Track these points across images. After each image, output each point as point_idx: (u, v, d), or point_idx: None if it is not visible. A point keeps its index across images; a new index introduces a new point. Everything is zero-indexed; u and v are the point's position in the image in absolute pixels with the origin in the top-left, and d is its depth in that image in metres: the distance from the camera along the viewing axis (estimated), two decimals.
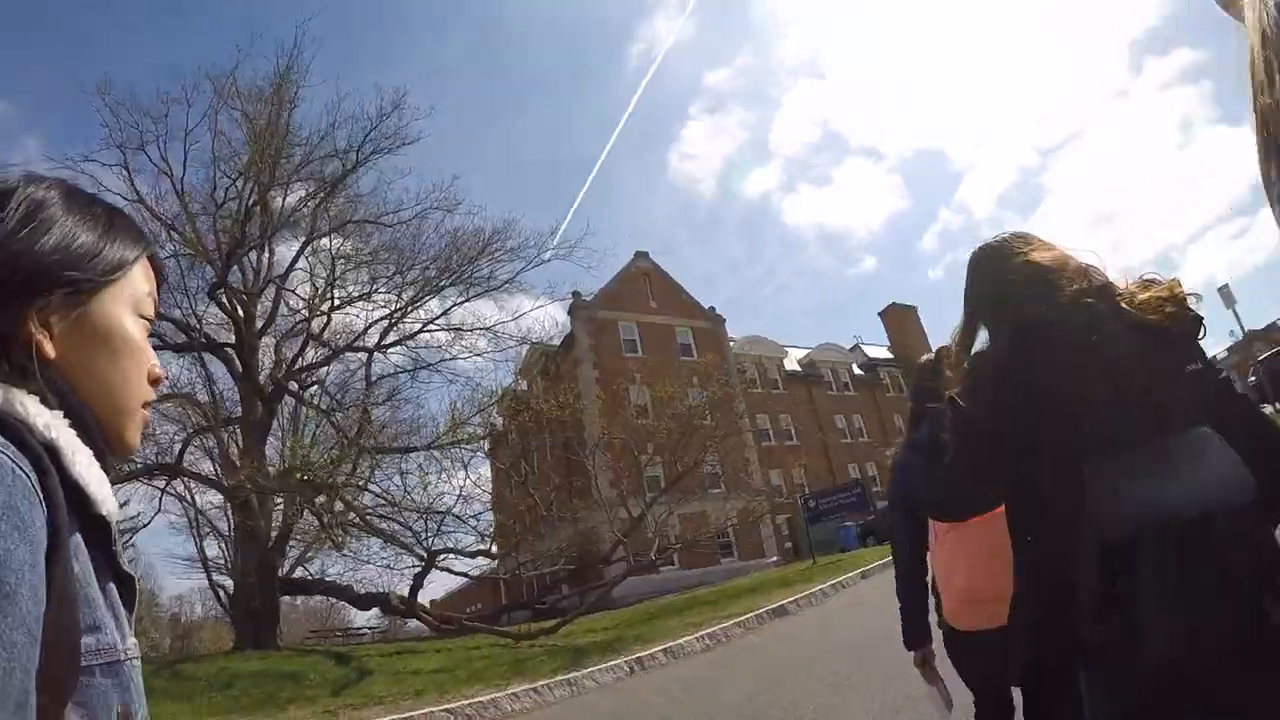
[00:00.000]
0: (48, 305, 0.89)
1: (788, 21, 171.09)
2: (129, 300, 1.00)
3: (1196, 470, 1.69)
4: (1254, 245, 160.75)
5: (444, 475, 21.56)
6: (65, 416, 0.87)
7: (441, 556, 19.09)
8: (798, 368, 55.59)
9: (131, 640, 0.91)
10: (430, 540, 19.70)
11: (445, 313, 26.43)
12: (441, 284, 25.84)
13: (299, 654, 18.69)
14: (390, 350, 25.93)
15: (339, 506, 19.97)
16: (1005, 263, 2.11)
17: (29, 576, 0.72)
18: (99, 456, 0.91)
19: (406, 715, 9.95)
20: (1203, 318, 1.93)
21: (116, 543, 0.93)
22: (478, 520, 21.43)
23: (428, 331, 26.56)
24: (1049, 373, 1.86)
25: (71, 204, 0.98)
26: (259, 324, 24.80)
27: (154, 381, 1.04)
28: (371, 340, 25.66)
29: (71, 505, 0.83)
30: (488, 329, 26.43)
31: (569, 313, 42.38)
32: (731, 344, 48.79)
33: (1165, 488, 1.68)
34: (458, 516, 20.44)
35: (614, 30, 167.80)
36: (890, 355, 64.67)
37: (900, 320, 65.72)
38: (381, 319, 25.78)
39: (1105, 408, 1.80)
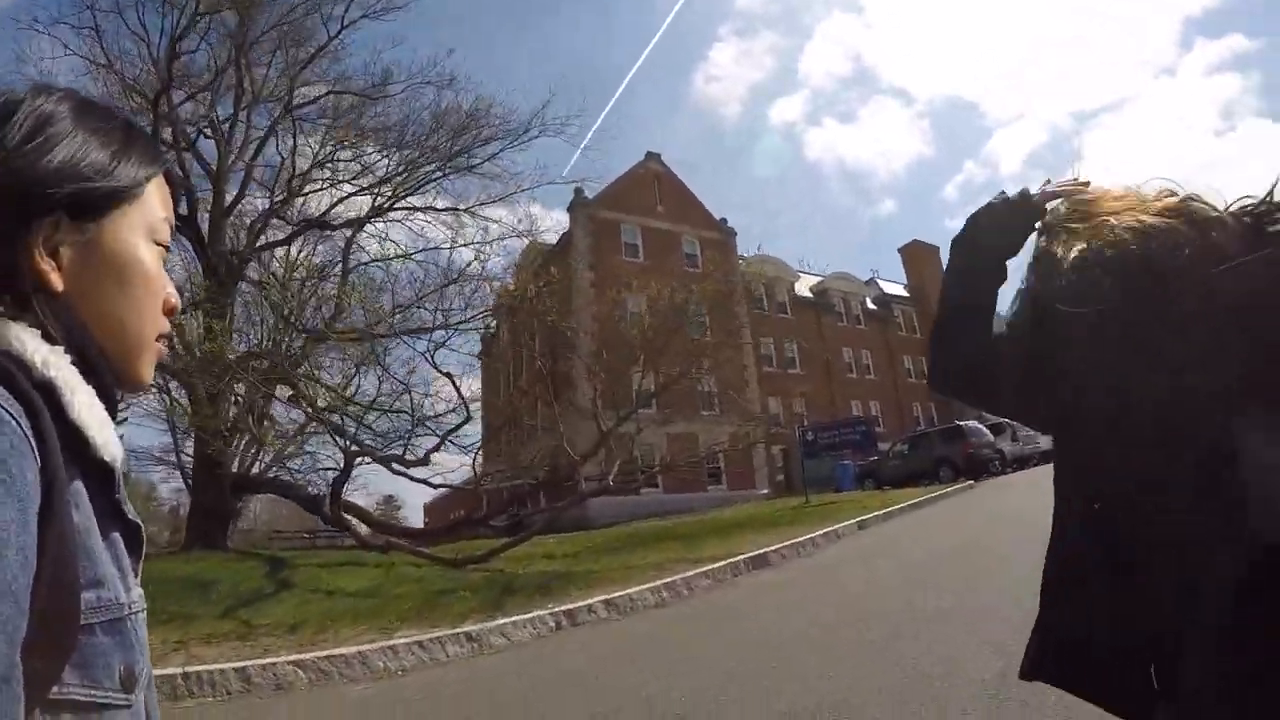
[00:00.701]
0: (55, 232, 0.83)
1: None
2: (143, 225, 0.93)
3: None
4: None
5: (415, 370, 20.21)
6: (70, 352, 0.82)
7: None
8: (808, 294, 52.78)
9: (137, 592, 0.86)
10: (405, 444, 17.74)
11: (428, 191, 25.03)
12: (425, 164, 24.39)
13: (237, 558, 17.11)
14: (368, 233, 23.83)
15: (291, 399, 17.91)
16: None
17: (17, 538, 0.67)
18: (105, 394, 0.86)
19: (246, 663, 7.49)
20: None
21: (121, 489, 0.87)
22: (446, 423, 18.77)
23: (414, 214, 25.28)
24: None
25: (84, 118, 0.90)
26: (228, 200, 23.34)
27: (169, 311, 0.97)
28: (346, 222, 23.98)
29: (70, 449, 0.78)
30: (468, 210, 24.39)
31: (568, 210, 39.52)
32: (741, 261, 45.91)
33: None
34: (424, 421, 18.07)
35: None
36: (906, 294, 61.74)
37: (921, 259, 62.51)
38: (362, 199, 24.46)
39: None
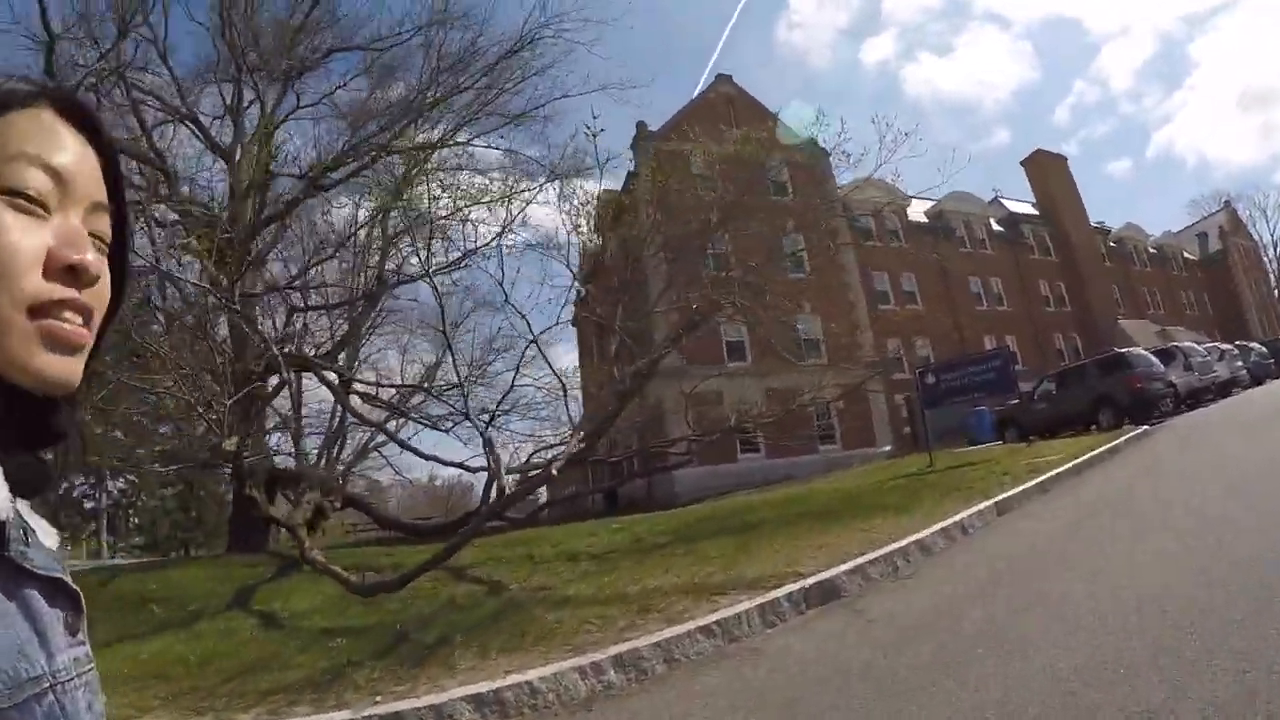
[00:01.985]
0: None
1: None
2: None
3: None
4: None
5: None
6: None
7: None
8: (924, 219, 46.79)
9: (70, 655, 0.73)
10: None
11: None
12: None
13: (248, 565, 14.12)
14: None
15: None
16: None
17: None
18: None
19: None
20: None
21: (9, 545, 0.69)
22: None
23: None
24: None
25: None
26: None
27: (58, 269, 0.75)
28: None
29: None
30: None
31: (631, 147, 34.66)
32: (840, 189, 40.46)
33: None
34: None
35: None
36: (1035, 212, 55.10)
37: (1047, 170, 55.84)
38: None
39: None
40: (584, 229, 18.84)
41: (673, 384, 29.60)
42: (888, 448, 33.29)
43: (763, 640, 6.50)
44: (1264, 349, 32.98)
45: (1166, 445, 15.03)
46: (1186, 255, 68.37)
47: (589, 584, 9.14)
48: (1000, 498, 10.75)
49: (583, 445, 13.98)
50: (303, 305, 20.44)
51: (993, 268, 48.86)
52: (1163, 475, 11.18)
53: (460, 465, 19.39)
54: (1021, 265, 50.57)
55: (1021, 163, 58.27)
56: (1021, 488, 11.40)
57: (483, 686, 5.76)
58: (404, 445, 19.16)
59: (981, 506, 10.17)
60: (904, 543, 8.50)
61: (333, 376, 18.38)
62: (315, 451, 20.55)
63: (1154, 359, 23.35)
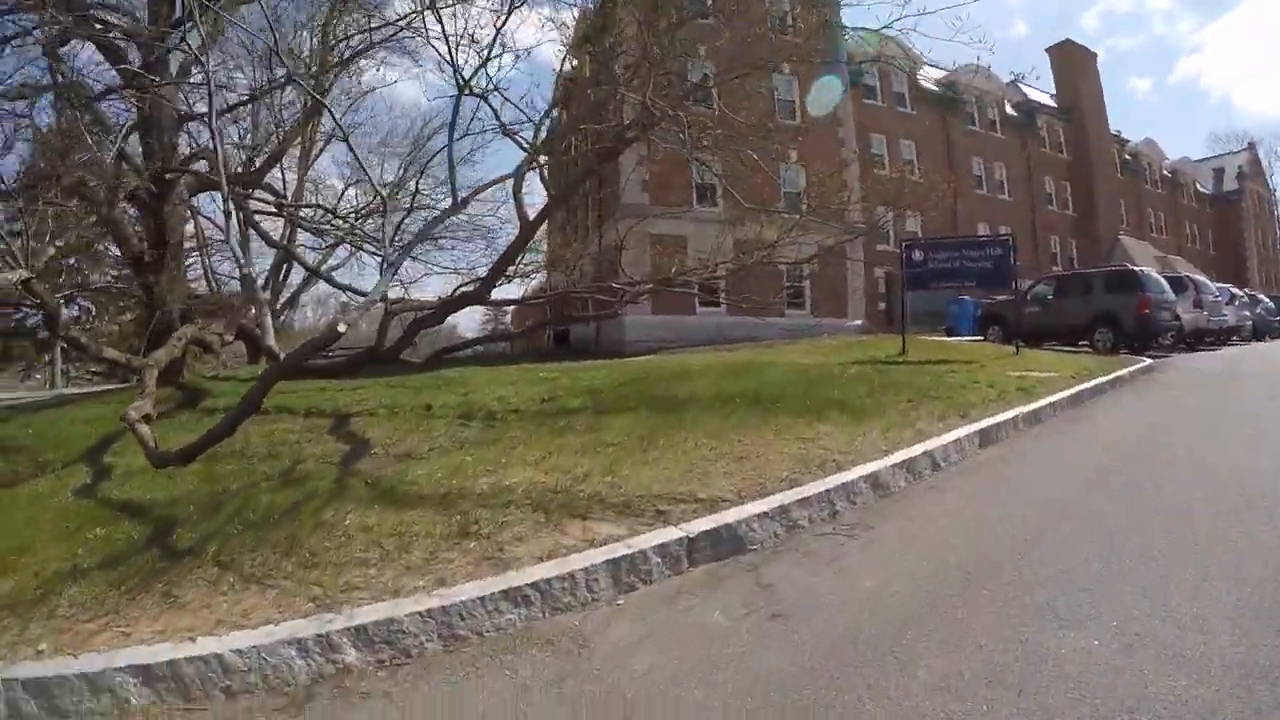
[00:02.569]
0: None
1: None
2: None
3: None
4: None
5: None
6: None
7: None
8: (934, 88, 43.10)
9: None
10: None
11: None
12: None
13: None
14: None
15: None
16: None
17: None
18: None
19: None
20: None
21: None
22: None
23: None
24: None
25: None
26: None
27: None
28: None
29: None
30: None
31: None
32: (848, 35, 36.65)
33: None
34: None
35: None
36: (1053, 104, 51.57)
37: (1075, 62, 51.78)
38: None
39: None
40: (561, 45, 15.76)
41: (636, 225, 26.94)
42: (859, 322, 30.76)
43: (601, 624, 4.08)
44: (1272, 303, 30.99)
45: (1184, 389, 12.62)
46: (1199, 188, 65.34)
47: (448, 462, 6.96)
48: (984, 423, 8.30)
49: (484, 288, 11.42)
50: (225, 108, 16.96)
51: (999, 153, 45.50)
52: (1193, 433, 8.70)
53: (349, 289, 16.76)
54: (1031, 157, 47.30)
55: (1047, 50, 53.41)
56: (1010, 413, 8.95)
57: (160, 652, 3.71)
58: (314, 271, 16.35)
59: (961, 434, 7.71)
60: (853, 475, 6.04)
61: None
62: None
63: (1166, 285, 20.83)
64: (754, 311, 25.20)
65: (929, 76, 42.79)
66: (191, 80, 15.22)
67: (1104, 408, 10.60)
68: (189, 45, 12.42)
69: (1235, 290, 28.15)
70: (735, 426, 7.91)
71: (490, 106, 11.06)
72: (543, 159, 14.83)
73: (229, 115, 16.87)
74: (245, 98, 17.12)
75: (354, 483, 6.44)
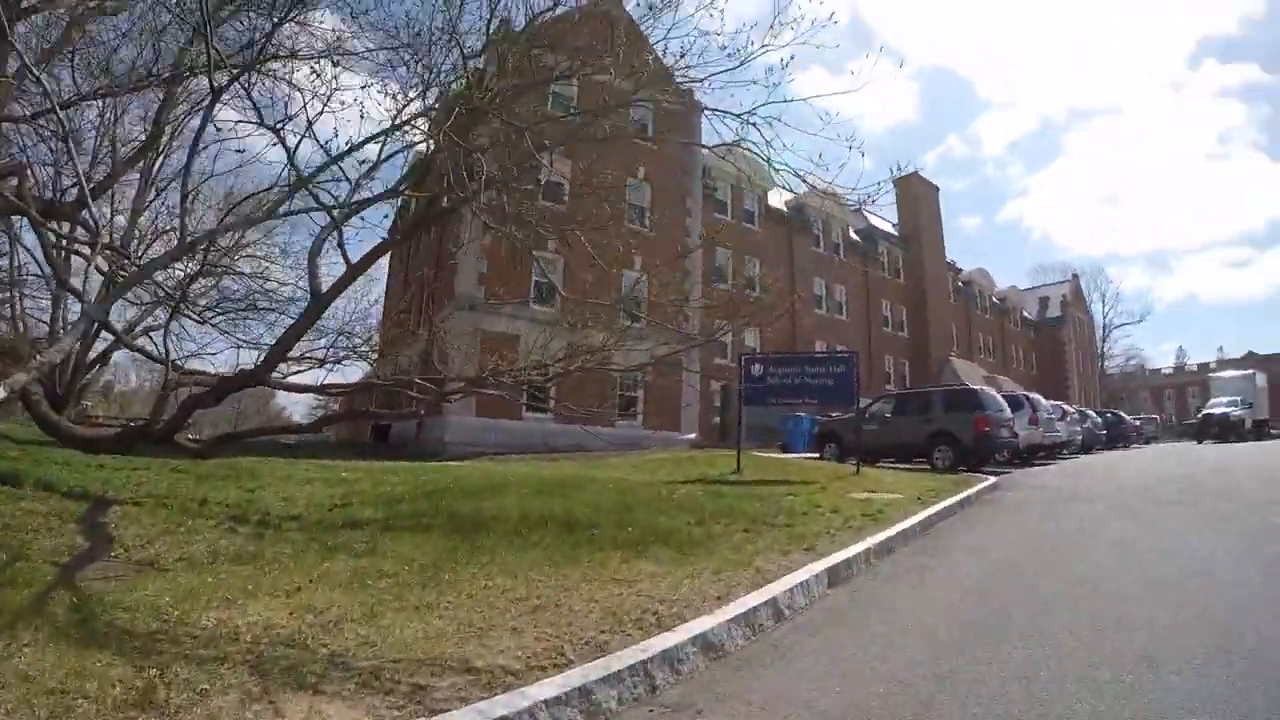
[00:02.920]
0: None
1: None
2: None
3: None
4: (1251, 280, 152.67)
5: None
6: None
7: None
8: (783, 208, 43.66)
9: None
10: None
11: None
12: None
13: None
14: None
15: None
16: None
17: None
18: None
19: None
20: None
21: None
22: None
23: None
24: None
25: None
26: None
27: None
28: None
29: None
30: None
31: (484, 46, 29.84)
32: (706, 150, 36.80)
33: None
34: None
35: None
36: (895, 232, 53.30)
37: (918, 194, 53.44)
38: None
39: None
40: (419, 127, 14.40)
41: (468, 318, 25.63)
42: (693, 435, 29.88)
43: None
44: (1099, 419, 32.29)
45: (1033, 510, 11.87)
46: (1025, 314, 69.68)
47: (187, 582, 5.60)
48: (833, 558, 7.08)
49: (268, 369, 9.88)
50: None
51: (842, 275, 46.30)
52: (1054, 566, 7.75)
53: (144, 352, 14.77)
54: (870, 281, 48.32)
55: (894, 180, 54.89)
56: (859, 546, 7.80)
57: None
58: (105, 325, 14.34)
59: (807, 574, 6.39)
60: (678, 637, 4.59)
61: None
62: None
63: (1004, 403, 20.70)
64: (583, 420, 24.05)
65: (779, 199, 43.41)
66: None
67: (958, 536, 9.62)
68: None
69: (1066, 407, 28.94)
70: (539, 561, 6.59)
71: (294, 167, 9.46)
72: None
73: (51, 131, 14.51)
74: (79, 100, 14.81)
75: (61, 598, 5.06)
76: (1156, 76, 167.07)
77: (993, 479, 15.73)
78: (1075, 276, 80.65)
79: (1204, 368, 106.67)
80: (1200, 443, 37.04)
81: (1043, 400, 25.70)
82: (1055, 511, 11.66)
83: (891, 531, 8.83)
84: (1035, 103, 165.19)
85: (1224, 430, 37.19)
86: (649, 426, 28.41)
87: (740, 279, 37.96)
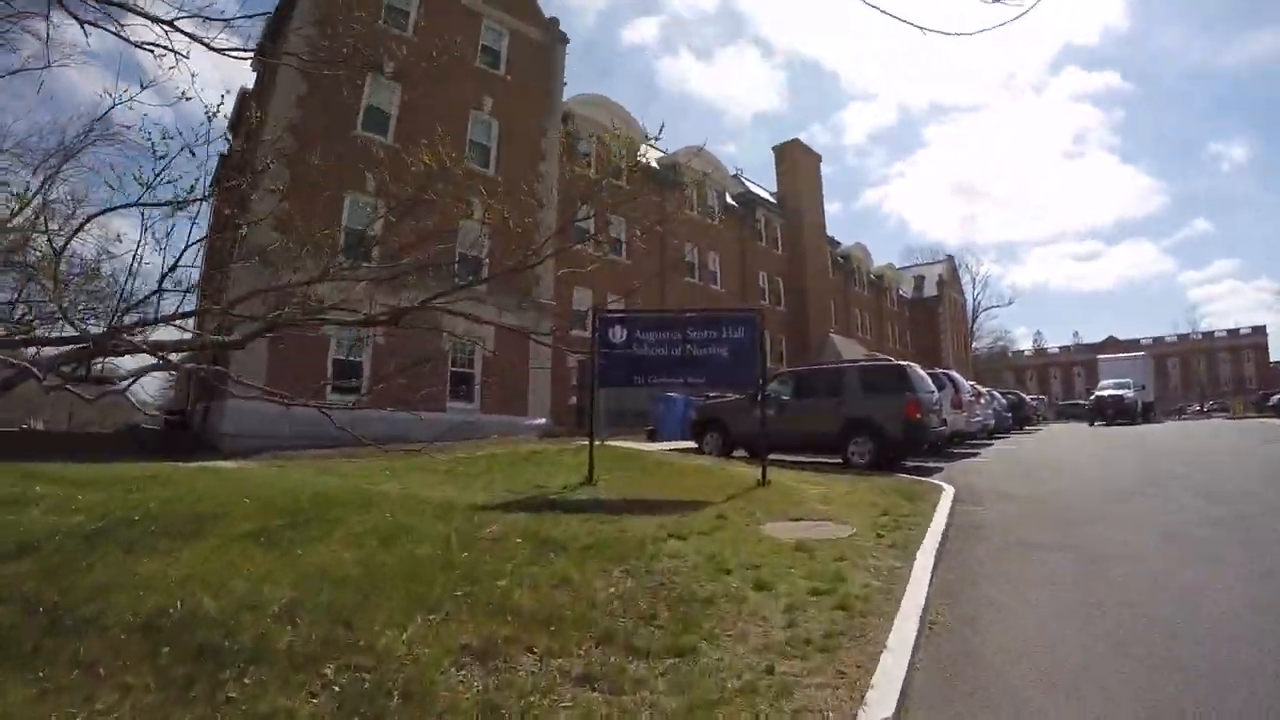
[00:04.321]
0: None
1: None
2: None
3: None
4: (1100, 272, 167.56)
5: None
6: None
7: None
8: (653, 165, 38.71)
9: None
10: None
11: None
12: None
13: None
14: None
15: None
16: None
17: None
18: None
19: None
20: None
21: None
22: None
23: None
24: None
25: None
26: None
27: None
28: None
29: None
30: None
31: None
32: (566, 90, 31.71)
33: None
34: None
35: None
36: (774, 200, 49.53)
37: (799, 163, 49.79)
38: None
39: None
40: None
41: (261, 276, 19.92)
42: (543, 421, 24.65)
43: None
44: (1003, 400, 30.31)
45: (1046, 552, 7.34)
46: (901, 292, 67.47)
47: None
48: None
49: None
50: None
51: (715, 242, 41.59)
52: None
53: None
54: (747, 250, 43.97)
55: (774, 148, 51.75)
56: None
57: None
58: None
59: None
60: None
61: None
62: None
63: (931, 383, 16.40)
64: (405, 403, 18.93)
65: (652, 156, 38.83)
66: None
67: (988, 632, 5.04)
68: None
69: (979, 387, 25.05)
70: None
71: None
72: None
73: None
74: None
75: None
76: (1019, 78, 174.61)
77: (943, 485, 11.44)
78: (950, 257, 79.56)
79: (1065, 350, 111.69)
80: (1092, 425, 36.67)
81: (963, 380, 21.59)
82: (1074, 545, 7.66)
83: (892, 661, 4.31)
84: (898, 96, 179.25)
85: (1119, 412, 36.80)
86: (489, 410, 23.08)
87: (606, 242, 33.04)
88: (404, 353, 18.28)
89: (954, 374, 21.09)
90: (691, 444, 18.05)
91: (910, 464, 15.41)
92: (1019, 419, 32.87)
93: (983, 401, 23.17)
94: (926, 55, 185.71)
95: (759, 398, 12.45)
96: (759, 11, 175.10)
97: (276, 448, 17.02)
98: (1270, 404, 39.63)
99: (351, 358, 20.11)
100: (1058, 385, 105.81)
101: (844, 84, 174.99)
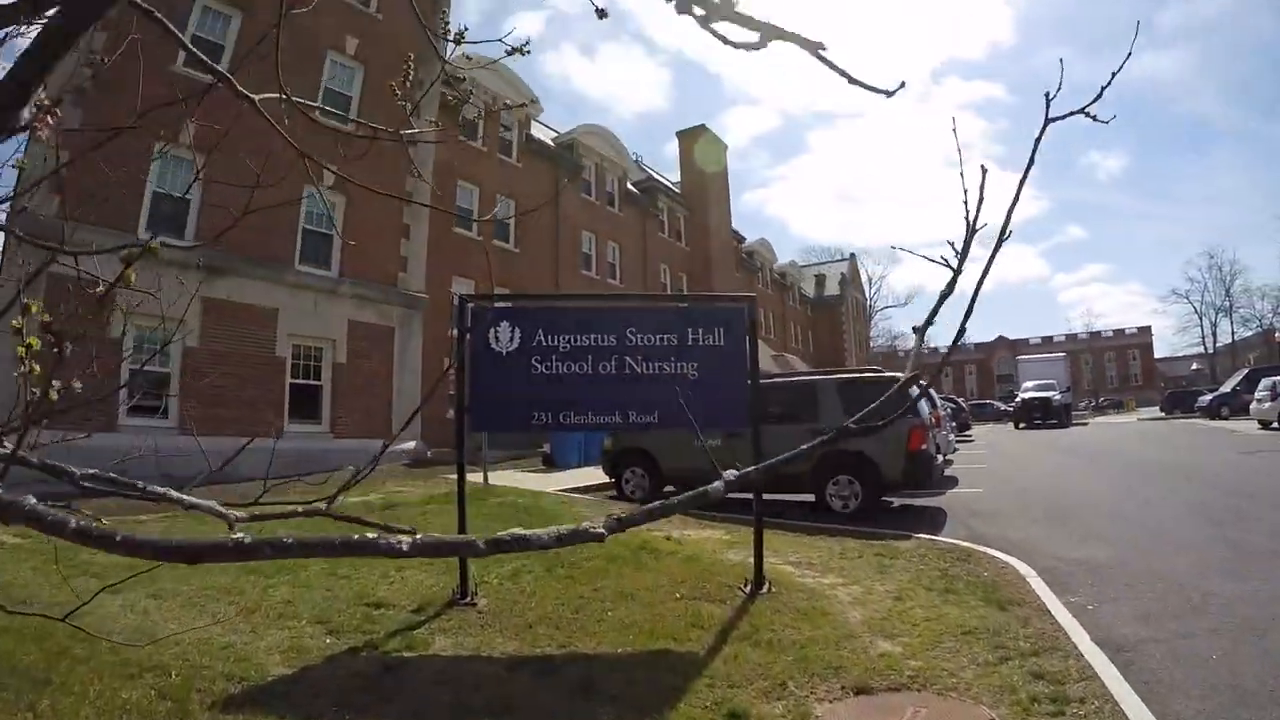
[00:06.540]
0: None
1: None
2: None
3: None
4: (976, 275, 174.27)
5: None
6: None
7: None
8: (549, 143, 34.37)
9: None
10: None
11: None
12: None
13: None
14: None
15: None
16: None
17: None
18: None
19: None
20: None
21: None
22: None
23: None
24: None
25: None
26: None
27: None
28: None
29: None
30: None
31: None
32: (456, 52, 26.82)
33: None
34: None
35: None
36: (676, 189, 45.98)
37: (706, 149, 45.66)
38: None
39: None
40: None
41: (30, 251, 15.03)
42: (412, 444, 18.83)
43: None
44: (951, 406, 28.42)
45: None
46: (803, 291, 65.35)
47: None
48: None
49: None
50: None
51: (616, 230, 37.25)
52: None
53: None
54: (649, 241, 40.13)
55: (679, 133, 47.49)
56: None
57: None
58: None
59: None
60: None
61: None
62: None
63: (926, 401, 12.46)
64: (226, 425, 14.40)
65: (546, 135, 34.60)
66: None
67: None
68: None
69: (933, 394, 21.69)
70: None
71: None
72: None
73: None
74: None
75: None
76: (904, 88, 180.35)
77: (1006, 560, 7.60)
78: (853, 256, 78.42)
79: (954, 351, 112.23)
80: (1018, 428, 37.10)
81: (932, 392, 17.80)
82: None
83: None
84: (782, 103, 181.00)
85: (1045, 415, 36.95)
86: (343, 433, 17.99)
87: (491, 227, 28.47)
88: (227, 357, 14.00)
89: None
90: (602, 476, 13.92)
91: (896, 502, 12.07)
92: (960, 426, 30.68)
93: (949, 413, 19.79)
94: (811, 63, 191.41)
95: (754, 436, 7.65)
96: (641, 10, 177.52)
97: (48, 496, 12.13)
98: (1202, 404, 37.82)
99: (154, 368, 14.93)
100: (949, 385, 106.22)
101: (727, 89, 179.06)
